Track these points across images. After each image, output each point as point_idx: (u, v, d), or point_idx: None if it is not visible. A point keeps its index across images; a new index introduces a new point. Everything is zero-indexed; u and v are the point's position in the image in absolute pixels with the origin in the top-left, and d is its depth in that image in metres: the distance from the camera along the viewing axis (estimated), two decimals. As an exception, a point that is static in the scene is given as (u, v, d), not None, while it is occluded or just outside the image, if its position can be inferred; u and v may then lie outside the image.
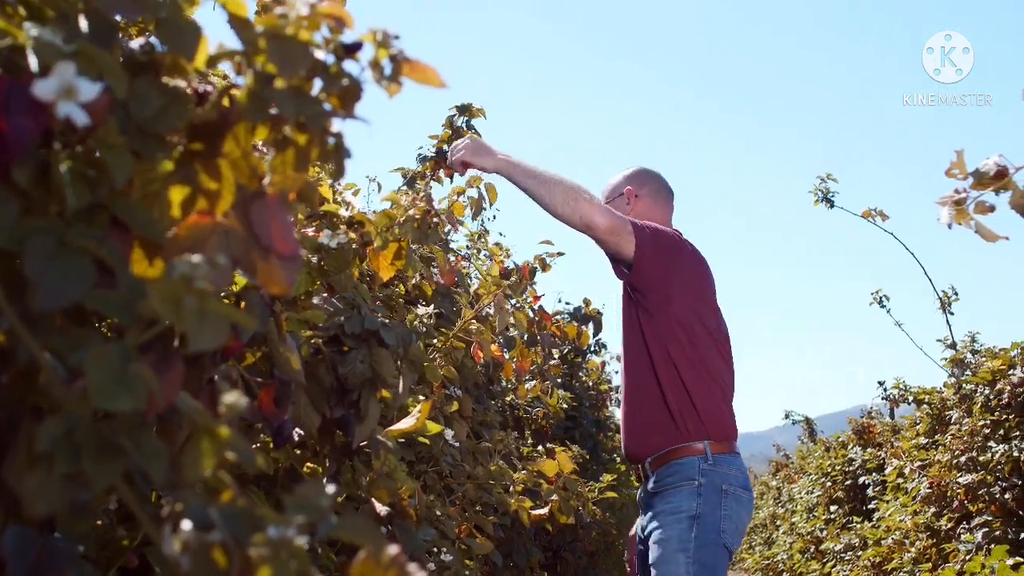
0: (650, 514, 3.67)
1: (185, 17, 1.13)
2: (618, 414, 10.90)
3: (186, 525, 0.99)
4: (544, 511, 4.44)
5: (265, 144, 1.21)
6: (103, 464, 0.95)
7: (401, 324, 2.43)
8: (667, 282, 3.69)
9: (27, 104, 0.99)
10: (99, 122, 1.03)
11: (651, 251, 3.62)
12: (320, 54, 1.16)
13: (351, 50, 1.19)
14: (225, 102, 1.21)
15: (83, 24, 1.10)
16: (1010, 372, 6.66)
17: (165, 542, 0.98)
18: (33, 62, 1.01)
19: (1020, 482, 6.49)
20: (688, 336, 3.69)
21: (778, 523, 18.24)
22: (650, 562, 3.58)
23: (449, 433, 3.84)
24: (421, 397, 3.45)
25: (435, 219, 2.76)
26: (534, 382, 6.09)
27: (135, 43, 1.20)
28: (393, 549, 1.01)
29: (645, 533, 3.70)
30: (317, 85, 1.18)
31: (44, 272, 0.97)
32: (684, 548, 3.49)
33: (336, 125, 1.19)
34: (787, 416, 19.00)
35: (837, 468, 12.78)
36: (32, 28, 1.02)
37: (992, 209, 2.26)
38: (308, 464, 2.56)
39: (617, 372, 11.58)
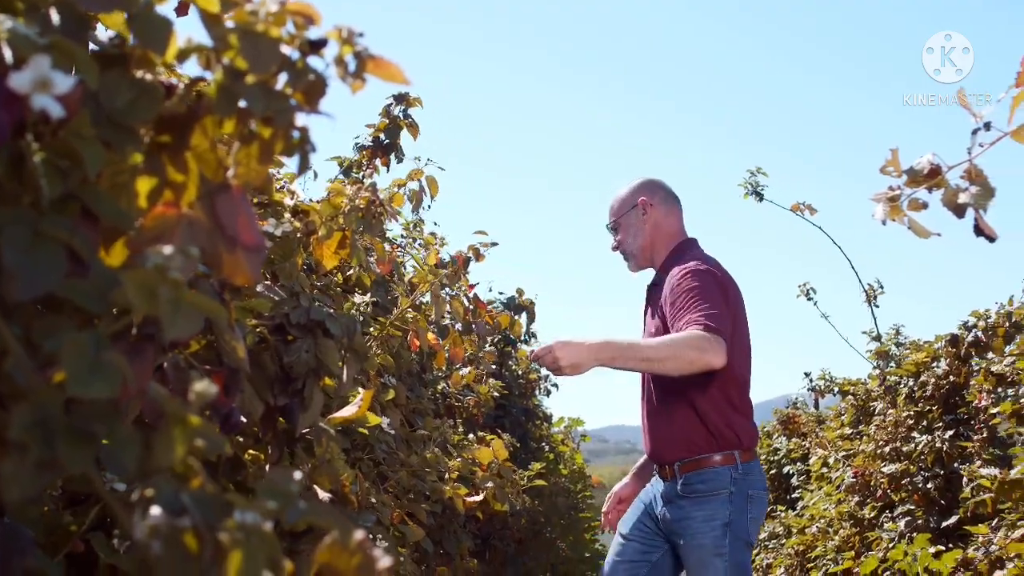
0: (678, 513, 3.99)
1: (157, 12, 1.15)
2: (546, 403, 11.01)
3: (155, 511, 1.01)
4: (479, 498, 4.49)
5: (230, 138, 1.23)
6: (77, 450, 0.97)
7: (346, 315, 2.45)
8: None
9: (2, 96, 1.00)
10: (72, 114, 1.04)
11: (727, 329, 3.82)
12: (286, 50, 1.19)
13: (316, 46, 1.21)
14: (186, 96, 1.23)
15: (54, 16, 1.12)
16: (933, 364, 6.79)
17: (136, 528, 1.00)
18: (7, 54, 1.03)
19: (942, 472, 6.62)
20: (729, 359, 3.82)
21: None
22: (685, 564, 4.00)
23: (385, 421, 3.86)
24: (360, 388, 3.47)
25: (380, 209, 2.78)
26: (468, 369, 6.12)
27: (105, 36, 1.21)
28: (359, 534, 1.04)
29: (663, 524, 4.06)
30: (282, 79, 1.20)
31: (21, 263, 0.98)
32: (720, 553, 3.86)
33: (300, 120, 1.21)
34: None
35: (762, 458, 12.94)
36: (6, 20, 1.04)
37: (925, 206, 2.33)
38: (250, 451, 2.57)
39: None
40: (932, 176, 2.30)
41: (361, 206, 2.67)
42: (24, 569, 1.19)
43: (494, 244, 5.05)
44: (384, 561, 1.03)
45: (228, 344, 1.95)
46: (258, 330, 2.36)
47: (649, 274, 4.36)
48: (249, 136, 1.21)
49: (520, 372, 10.10)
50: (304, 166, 1.23)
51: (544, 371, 11.20)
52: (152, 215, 1.17)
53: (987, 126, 2.27)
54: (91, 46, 1.22)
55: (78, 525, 1.93)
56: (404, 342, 4.17)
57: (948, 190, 2.28)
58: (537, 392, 10.81)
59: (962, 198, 2.26)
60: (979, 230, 2.29)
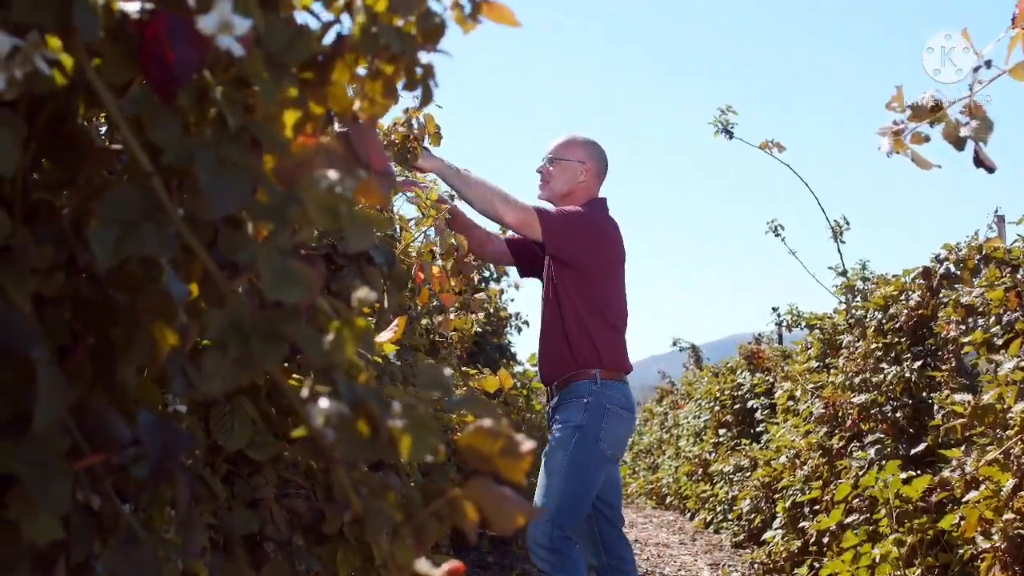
0: (551, 424, 4.57)
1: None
2: (515, 341, 11.19)
3: (323, 403, 1.15)
4: (486, 425, 4.65)
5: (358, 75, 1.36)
6: (269, 348, 1.10)
7: (385, 245, 2.58)
8: (583, 252, 4.57)
9: (189, 36, 1.13)
10: (246, 53, 1.17)
11: (561, 230, 4.52)
12: (411, -6, 1.32)
13: (437, -9, 1.35)
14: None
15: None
16: (901, 297, 6.98)
17: (311, 417, 1.14)
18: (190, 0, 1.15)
19: (910, 401, 6.81)
20: (593, 290, 4.57)
21: (664, 448, 18.64)
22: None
23: (392, 352, 3.99)
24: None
25: (414, 144, 2.89)
26: (455, 313, 6.25)
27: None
28: (505, 422, 1.19)
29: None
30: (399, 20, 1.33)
31: (212, 184, 1.11)
32: (564, 448, 4.39)
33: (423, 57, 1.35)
34: (675, 343, 19.37)
35: (726, 393, 13.13)
36: (188, -30, 1.16)
37: (927, 139, 2.49)
38: (294, 377, 2.70)
39: (513, 300, 11.86)
40: (934, 111, 2.46)
41: (396, 141, 2.79)
42: (179, 463, 1.33)
43: (478, 182, 5.18)
44: (527, 444, 1.18)
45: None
46: (307, 260, 2.48)
47: None
48: (376, 73, 1.35)
49: (492, 310, 10.25)
50: (427, 99, 1.37)
51: (512, 310, 11.34)
52: (296, 144, 1.30)
53: (988, 64, 2.43)
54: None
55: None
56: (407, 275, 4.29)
57: (948, 124, 2.44)
58: (508, 330, 10.96)
59: (963, 132, 2.42)
60: (979, 161, 2.45)
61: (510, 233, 5.06)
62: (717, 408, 13.49)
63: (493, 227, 5.08)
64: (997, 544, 4.89)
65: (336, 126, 1.42)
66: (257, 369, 1.11)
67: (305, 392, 1.16)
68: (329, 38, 1.34)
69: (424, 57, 1.34)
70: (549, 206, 4.71)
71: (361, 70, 1.36)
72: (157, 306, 1.33)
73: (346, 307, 1.17)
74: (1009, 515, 4.84)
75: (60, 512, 1.14)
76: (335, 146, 1.33)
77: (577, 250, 4.55)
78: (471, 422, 1.22)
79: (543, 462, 4.47)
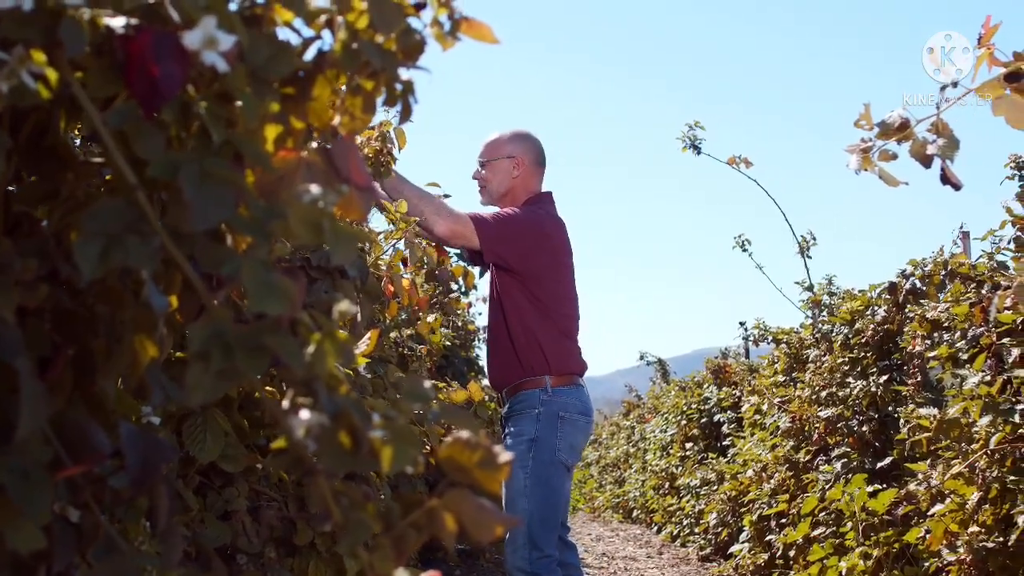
0: (504, 434, 4.49)
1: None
2: (483, 354, 11.19)
3: (304, 414, 1.17)
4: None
5: (339, 90, 1.38)
6: (254, 360, 1.12)
7: (359, 258, 2.59)
8: (523, 257, 4.48)
9: (174, 52, 1.14)
10: (230, 69, 1.19)
11: (497, 235, 4.42)
12: (392, 12, 1.34)
13: (417, 8, 1.37)
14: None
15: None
16: (868, 312, 7.03)
17: (292, 429, 1.15)
18: (174, 14, 1.17)
19: (876, 415, 6.85)
20: (538, 293, 4.48)
21: (630, 461, 18.63)
22: None
23: (363, 364, 4.00)
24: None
25: (387, 158, 2.90)
26: (434, 315, 6.25)
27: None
28: (483, 434, 1.20)
29: None
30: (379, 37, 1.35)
31: (195, 197, 1.13)
32: (523, 466, 4.27)
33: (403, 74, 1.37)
34: (642, 357, 19.38)
35: (693, 406, 13.16)
36: (174, -14, 1.18)
37: (895, 157, 2.52)
38: (267, 388, 2.71)
39: (481, 314, 11.83)
40: (901, 129, 2.49)
41: (370, 155, 2.80)
42: (162, 472, 1.34)
43: (447, 196, 5.20)
44: (504, 456, 1.20)
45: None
46: (281, 272, 2.49)
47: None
48: (356, 89, 1.37)
49: (460, 323, 10.26)
50: (406, 115, 1.39)
51: (479, 323, 11.35)
52: (277, 158, 1.31)
53: (954, 83, 2.46)
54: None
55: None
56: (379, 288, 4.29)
57: (915, 142, 2.47)
58: (476, 342, 10.97)
59: (930, 149, 2.45)
60: (945, 179, 2.48)
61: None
62: (684, 422, 13.51)
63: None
64: (962, 557, 4.92)
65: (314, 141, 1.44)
66: (240, 381, 1.12)
67: (286, 404, 1.18)
68: (310, 54, 1.36)
69: (404, 73, 1.36)
70: (490, 210, 4.65)
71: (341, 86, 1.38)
72: (137, 318, 1.34)
73: (327, 319, 1.18)
74: (974, 528, 4.88)
75: (43, 521, 1.15)
76: (316, 161, 1.35)
77: (517, 255, 4.48)
78: (441, 434, 1.24)
79: (503, 482, 4.39)
